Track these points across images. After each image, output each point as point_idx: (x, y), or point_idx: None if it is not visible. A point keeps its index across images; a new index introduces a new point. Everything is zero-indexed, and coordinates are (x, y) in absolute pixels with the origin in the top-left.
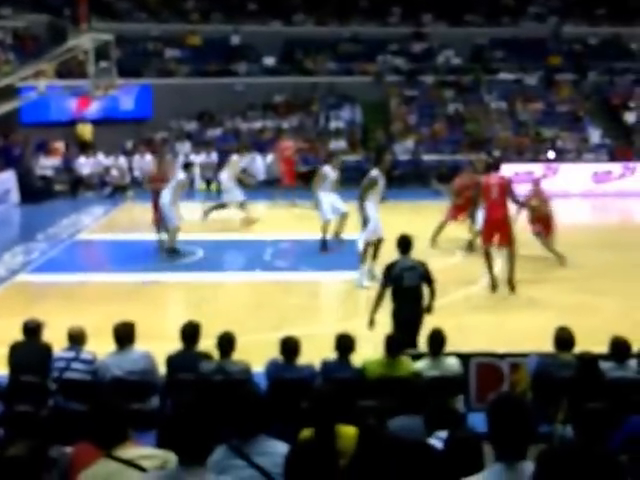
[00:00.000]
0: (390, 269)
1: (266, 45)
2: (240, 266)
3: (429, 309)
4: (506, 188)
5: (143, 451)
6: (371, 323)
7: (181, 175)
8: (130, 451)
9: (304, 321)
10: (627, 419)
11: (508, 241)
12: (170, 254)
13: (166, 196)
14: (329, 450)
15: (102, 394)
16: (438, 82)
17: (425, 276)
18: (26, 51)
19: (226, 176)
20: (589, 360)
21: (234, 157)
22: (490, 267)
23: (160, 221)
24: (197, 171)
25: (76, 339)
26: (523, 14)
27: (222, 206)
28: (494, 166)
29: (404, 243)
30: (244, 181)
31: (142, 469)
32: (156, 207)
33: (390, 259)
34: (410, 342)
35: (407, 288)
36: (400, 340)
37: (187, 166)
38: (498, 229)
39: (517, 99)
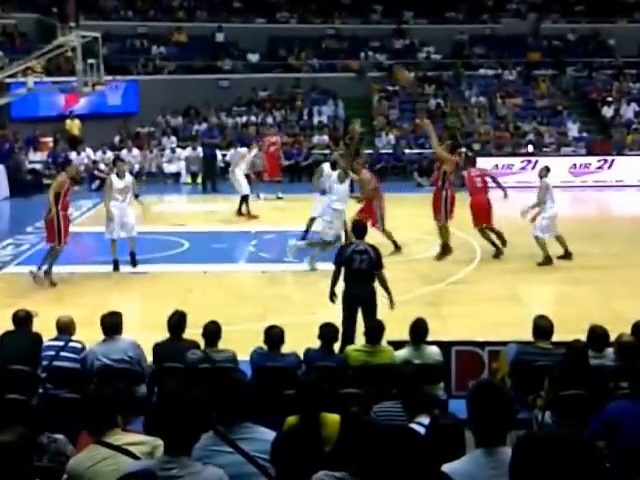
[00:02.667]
0: (342, 251)
1: (250, 42)
2: (225, 257)
3: (391, 304)
4: (486, 177)
5: (132, 438)
6: (331, 297)
7: (112, 176)
8: (120, 437)
9: (288, 311)
10: (605, 406)
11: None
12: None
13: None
14: (315, 437)
15: (92, 381)
16: (419, 78)
17: (375, 261)
18: (15, 48)
19: (234, 169)
20: (579, 348)
21: (242, 150)
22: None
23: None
24: (183, 165)
25: (65, 328)
26: (503, 11)
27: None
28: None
29: (358, 227)
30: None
31: (132, 455)
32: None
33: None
34: (370, 323)
35: (357, 270)
36: (379, 324)
37: (114, 162)
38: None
39: (497, 94)
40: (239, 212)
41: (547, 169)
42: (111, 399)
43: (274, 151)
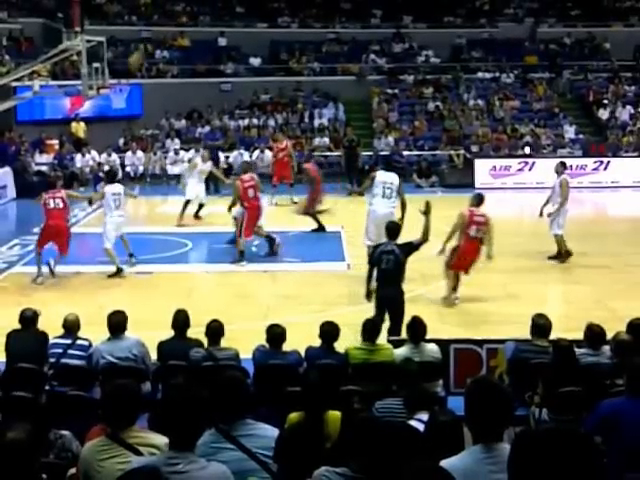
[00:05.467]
0: (373, 251)
1: (252, 46)
2: (227, 257)
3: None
4: None
5: (147, 439)
6: (367, 296)
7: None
8: (134, 436)
9: (289, 309)
10: (600, 403)
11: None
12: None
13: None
14: (318, 434)
15: (97, 379)
16: (418, 81)
17: (403, 253)
18: (21, 53)
19: (187, 178)
20: (565, 347)
21: (195, 160)
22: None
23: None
24: (186, 167)
25: (72, 327)
26: (500, 15)
27: (200, 206)
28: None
29: (389, 229)
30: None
31: (139, 453)
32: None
33: None
34: (394, 326)
35: (384, 270)
36: (376, 322)
37: (109, 175)
38: None
39: (494, 97)
40: (195, 216)
41: (563, 165)
42: (136, 394)
43: (283, 157)
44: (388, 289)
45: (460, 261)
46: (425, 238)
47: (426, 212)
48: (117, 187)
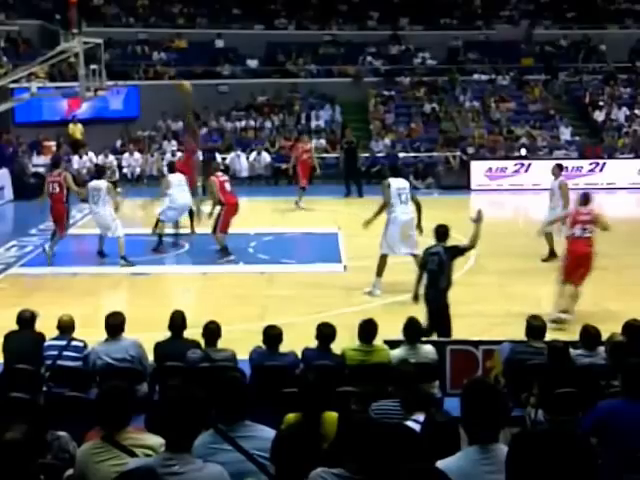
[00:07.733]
0: (423, 253)
1: (249, 48)
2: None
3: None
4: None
5: (143, 440)
6: (415, 298)
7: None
8: (128, 437)
9: (286, 311)
10: (595, 404)
11: None
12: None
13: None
14: (315, 435)
15: (95, 380)
16: (414, 83)
17: (448, 256)
18: (19, 54)
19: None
20: (559, 348)
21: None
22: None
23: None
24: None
25: (67, 328)
26: (496, 17)
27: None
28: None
29: (437, 231)
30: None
31: (133, 455)
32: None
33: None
34: (440, 329)
35: (429, 271)
36: (373, 323)
37: (96, 171)
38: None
39: (490, 99)
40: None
41: (560, 167)
42: (129, 396)
43: (307, 158)
44: (431, 290)
45: (570, 266)
46: (473, 244)
47: (477, 220)
48: (99, 183)
